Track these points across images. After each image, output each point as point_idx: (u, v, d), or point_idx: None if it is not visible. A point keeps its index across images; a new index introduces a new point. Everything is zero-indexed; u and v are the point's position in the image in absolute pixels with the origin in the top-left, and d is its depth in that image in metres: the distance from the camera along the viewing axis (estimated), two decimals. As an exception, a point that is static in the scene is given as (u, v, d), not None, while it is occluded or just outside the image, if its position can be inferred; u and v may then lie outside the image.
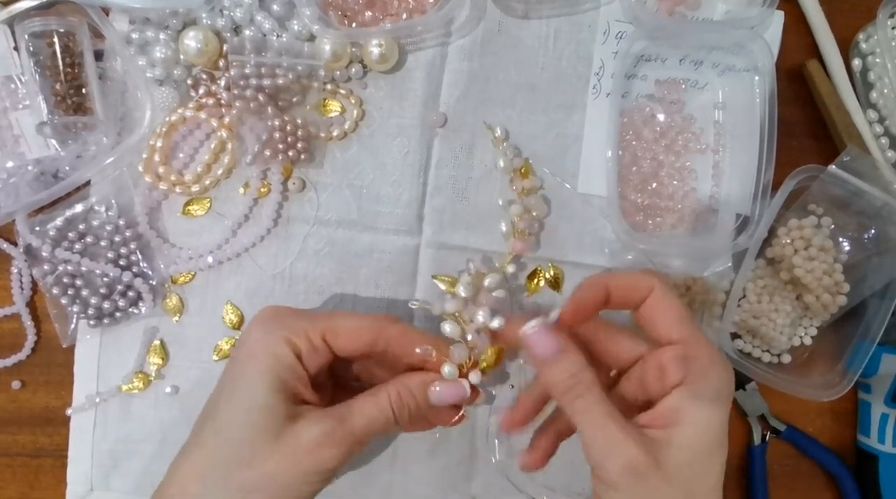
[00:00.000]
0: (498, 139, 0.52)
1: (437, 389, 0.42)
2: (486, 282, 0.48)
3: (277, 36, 0.50)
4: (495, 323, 0.44)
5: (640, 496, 0.34)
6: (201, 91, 0.50)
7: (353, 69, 0.51)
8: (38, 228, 0.49)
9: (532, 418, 0.44)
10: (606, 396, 0.36)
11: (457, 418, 0.45)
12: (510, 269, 0.51)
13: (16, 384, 0.51)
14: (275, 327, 0.40)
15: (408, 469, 0.53)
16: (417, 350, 0.42)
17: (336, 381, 0.46)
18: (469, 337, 0.44)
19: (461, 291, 0.47)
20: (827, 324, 0.54)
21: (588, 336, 0.41)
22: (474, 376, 0.43)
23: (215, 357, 0.51)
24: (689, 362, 0.36)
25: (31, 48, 0.47)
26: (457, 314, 0.45)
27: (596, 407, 0.36)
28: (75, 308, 0.49)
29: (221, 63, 0.50)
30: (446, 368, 0.42)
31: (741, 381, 0.55)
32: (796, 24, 0.55)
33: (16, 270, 0.50)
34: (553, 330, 0.38)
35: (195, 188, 0.50)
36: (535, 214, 0.52)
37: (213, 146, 0.50)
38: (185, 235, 0.51)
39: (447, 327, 0.44)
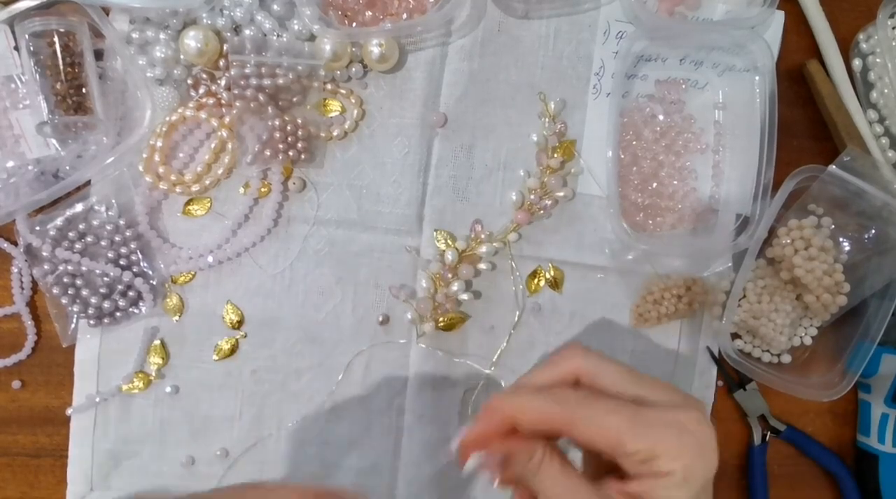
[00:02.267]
0: (547, 112, 0.52)
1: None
2: (483, 249, 0.51)
3: (278, 36, 0.50)
4: (464, 296, 0.51)
5: None
6: (201, 91, 0.50)
7: (354, 69, 0.51)
8: (38, 228, 0.49)
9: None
10: (567, 466, 0.35)
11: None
12: (512, 237, 0.52)
13: (16, 384, 0.51)
14: None
15: (409, 472, 0.53)
16: None
17: None
18: (438, 297, 0.50)
19: (448, 256, 0.51)
20: (827, 324, 0.54)
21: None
22: (428, 326, 0.50)
23: (215, 357, 0.51)
24: (652, 464, 0.33)
25: (32, 48, 0.47)
26: (437, 275, 0.51)
27: (565, 482, 0.34)
28: (75, 308, 0.49)
29: (221, 63, 0.50)
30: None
31: (741, 381, 0.55)
32: (796, 24, 0.55)
33: (16, 270, 0.50)
34: (484, 457, 0.35)
35: (195, 188, 0.50)
36: (550, 192, 0.52)
37: (213, 146, 0.50)
38: (186, 235, 0.51)
39: (423, 282, 0.51)
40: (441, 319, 0.51)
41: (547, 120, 0.52)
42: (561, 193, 0.52)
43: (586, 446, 0.35)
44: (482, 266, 0.52)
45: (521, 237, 0.53)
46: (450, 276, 0.51)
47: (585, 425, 0.34)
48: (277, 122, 0.49)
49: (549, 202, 0.52)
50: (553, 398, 0.35)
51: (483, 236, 0.52)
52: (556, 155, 0.52)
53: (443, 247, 0.51)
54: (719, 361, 0.54)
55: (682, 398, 0.36)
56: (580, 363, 0.36)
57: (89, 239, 0.49)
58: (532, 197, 0.52)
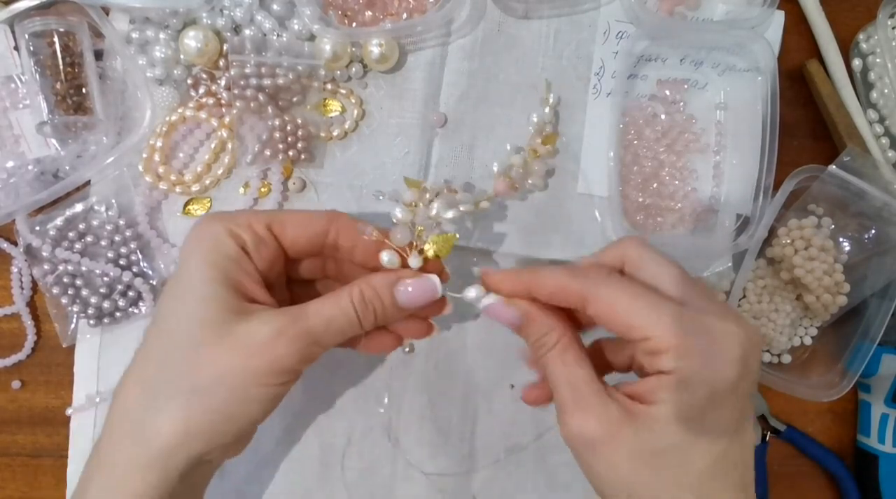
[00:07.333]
0: (545, 101, 0.52)
1: (408, 288, 0.38)
2: (458, 196, 0.47)
3: (278, 35, 0.50)
4: (450, 214, 0.41)
5: (592, 464, 0.33)
6: (201, 91, 0.50)
7: (354, 69, 0.51)
8: (38, 228, 0.49)
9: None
10: (582, 357, 0.35)
11: (426, 331, 0.42)
12: (485, 204, 0.49)
13: (16, 384, 0.51)
14: (215, 221, 0.37)
15: (408, 469, 0.53)
16: (359, 227, 0.39)
17: (294, 296, 0.42)
18: (417, 222, 0.40)
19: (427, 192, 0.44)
20: (827, 324, 0.54)
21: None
22: (414, 260, 0.39)
23: (215, 357, 0.51)
24: (655, 358, 0.32)
25: (32, 48, 0.47)
26: (412, 203, 0.42)
27: (567, 369, 0.35)
28: (75, 308, 0.49)
29: (221, 63, 0.50)
30: (385, 256, 0.39)
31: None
32: (797, 24, 0.55)
33: (16, 270, 0.50)
34: (506, 303, 0.37)
35: (195, 188, 0.50)
36: (530, 178, 0.51)
37: (213, 146, 0.50)
38: (185, 235, 0.51)
39: (398, 211, 0.41)
40: (427, 244, 0.40)
41: (548, 110, 0.52)
42: (539, 179, 0.51)
43: (606, 326, 0.34)
44: (463, 208, 0.45)
45: (521, 237, 0.52)
46: (428, 197, 0.43)
47: (598, 302, 0.34)
48: (277, 122, 0.49)
49: (529, 181, 0.51)
50: (573, 273, 0.35)
51: (460, 196, 0.48)
52: (543, 143, 0.52)
53: (410, 187, 0.43)
54: (719, 361, 0.54)
55: (721, 308, 0.34)
56: (628, 252, 0.36)
57: (89, 239, 0.49)
58: (513, 173, 0.50)
